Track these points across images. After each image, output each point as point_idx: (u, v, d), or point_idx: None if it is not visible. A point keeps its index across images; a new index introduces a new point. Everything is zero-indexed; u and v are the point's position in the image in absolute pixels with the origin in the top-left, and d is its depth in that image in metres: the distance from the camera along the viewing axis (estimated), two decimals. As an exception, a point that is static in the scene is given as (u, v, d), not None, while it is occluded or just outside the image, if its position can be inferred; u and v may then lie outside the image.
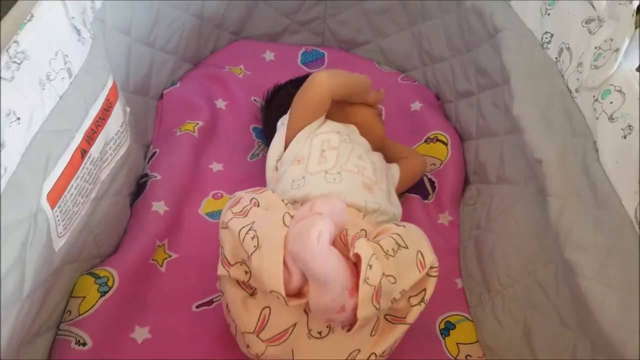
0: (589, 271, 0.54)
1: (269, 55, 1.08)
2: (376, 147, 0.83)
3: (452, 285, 0.78)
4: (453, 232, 0.85)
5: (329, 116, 0.79)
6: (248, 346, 0.58)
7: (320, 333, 0.56)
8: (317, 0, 1.07)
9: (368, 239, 0.56)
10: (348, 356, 0.56)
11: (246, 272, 0.55)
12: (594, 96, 0.61)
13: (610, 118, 0.58)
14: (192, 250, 0.75)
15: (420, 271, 0.56)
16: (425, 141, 0.95)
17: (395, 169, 0.84)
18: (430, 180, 0.91)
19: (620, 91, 0.58)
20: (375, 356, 0.57)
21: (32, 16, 0.51)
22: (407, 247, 0.56)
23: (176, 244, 0.76)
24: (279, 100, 0.88)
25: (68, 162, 0.55)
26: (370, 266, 0.50)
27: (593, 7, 0.67)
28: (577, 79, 0.66)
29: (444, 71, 1.01)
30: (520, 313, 0.68)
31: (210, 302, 0.70)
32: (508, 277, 0.71)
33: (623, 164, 0.55)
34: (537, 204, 0.67)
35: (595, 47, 0.63)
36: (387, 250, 0.54)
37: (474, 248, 0.80)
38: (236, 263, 0.55)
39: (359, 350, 0.56)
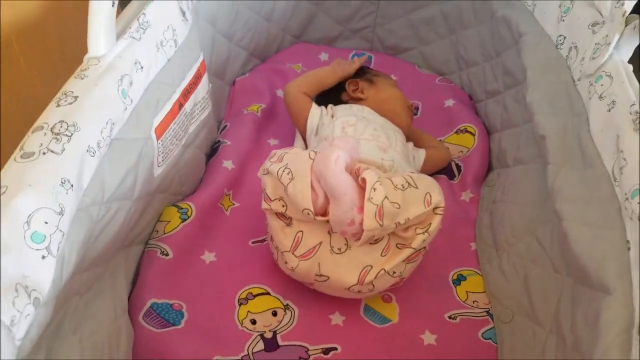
0: (571, 215, 0.66)
1: (323, 56, 1.25)
2: (405, 133, 0.97)
3: (467, 248, 0.90)
4: (472, 207, 0.97)
5: (365, 103, 0.96)
6: (286, 262, 0.73)
7: (340, 249, 0.71)
8: (369, 12, 1.24)
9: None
10: (362, 269, 0.70)
11: (283, 205, 0.70)
12: (590, 82, 0.74)
13: (600, 97, 0.71)
14: (251, 202, 0.91)
15: (425, 207, 0.68)
16: (456, 132, 1.09)
17: (421, 153, 0.98)
18: (457, 165, 1.04)
19: (610, 76, 0.71)
20: (385, 271, 0.70)
21: (155, -2, 0.70)
22: (416, 187, 0.69)
23: (239, 196, 0.92)
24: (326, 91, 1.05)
25: (170, 109, 0.73)
26: (374, 189, 0.64)
27: (600, 13, 0.80)
28: (580, 71, 0.79)
29: (477, 74, 1.15)
30: (521, 266, 0.79)
31: (263, 240, 0.86)
32: (513, 236, 0.83)
33: (606, 131, 0.68)
34: (541, 175, 0.79)
35: (595, 44, 0.76)
36: (397, 185, 0.68)
37: (489, 217, 0.92)
38: (275, 199, 0.71)
39: (371, 267, 0.70)
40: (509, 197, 0.89)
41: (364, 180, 0.65)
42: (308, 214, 0.67)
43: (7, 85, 0.79)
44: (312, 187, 0.66)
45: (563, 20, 0.88)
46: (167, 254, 0.78)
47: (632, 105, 0.64)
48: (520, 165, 0.92)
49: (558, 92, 0.82)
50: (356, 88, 1.01)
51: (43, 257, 0.46)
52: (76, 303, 0.55)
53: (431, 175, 1.00)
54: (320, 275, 0.72)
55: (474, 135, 1.07)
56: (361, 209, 0.65)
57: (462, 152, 1.06)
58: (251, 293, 0.79)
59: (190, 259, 0.80)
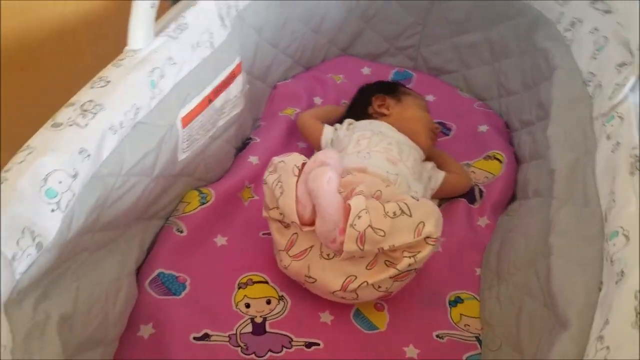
0: (559, 251, 0.67)
1: (366, 70, 1.30)
2: (426, 153, 1.00)
3: (471, 272, 0.91)
4: (487, 233, 0.98)
5: (386, 120, 1.00)
6: (281, 260, 0.79)
7: (328, 255, 0.75)
8: (415, 32, 1.28)
9: (377, 198, 0.74)
10: (346, 278, 0.74)
11: (280, 214, 0.76)
12: (602, 121, 0.74)
13: (608, 137, 0.71)
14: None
15: (415, 236, 0.70)
16: (485, 157, 1.10)
17: (440, 175, 1.00)
18: (480, 190, 1.05)
19: (621, 117, 0.71)
20: (367, 284, 0.74)
21: (196, 3, 0.79)
22: (410, 215, 0.71)
23: (259, 190, 0.99)
24: (354, 99, 1.11)
25: (198, 103, 0.81)
26: (359, 217, 0.68)
27: (630, 53, 0.80)
28: (598, 109, 0.79)
29: (514, 103, 1.16)
30: (517, 297, 0.79)
31: (273, 234, 0.92)
32: (515, 267, 0.83)
33: (606, 172, 0.68)
34: (547, 209, 0.80)
35: (616, 84, 0.76)
36: (388, 212, 0.70)
37: (499, 245, 0.92)
38: (273, 208, 0.77)
39: (355, 277, 0.73)
40: (521, 227, 0.89)
41: (349, 206, 0.69)
42: (296, 225, 0.73)
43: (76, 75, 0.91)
44: (298, 199, 0.71)
45: (595, 58, 0.87)
46: (182, 231, 0.86)
47: (634, 148, 0.64)
48: (537, 198, 0.92)
49: (576, 128, 0.82)
50: (382, 104, 1.05)
51: (52, 210, 0.54)
52: (84, 258, 0.64)
53: (452, 198, 1.03)
54: (309, 277, 0.77)
55: (502, 163, 1.08)
56: (344, 230, 0.69)
57: (487, 177, 1.07)
58: (251, 279, 0.85)
59: (202, 239, 0.88)
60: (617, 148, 0.67)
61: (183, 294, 0.80)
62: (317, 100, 1.21)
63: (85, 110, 0.61)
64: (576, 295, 0.58)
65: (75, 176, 0.57)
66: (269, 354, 0.77)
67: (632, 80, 0.70)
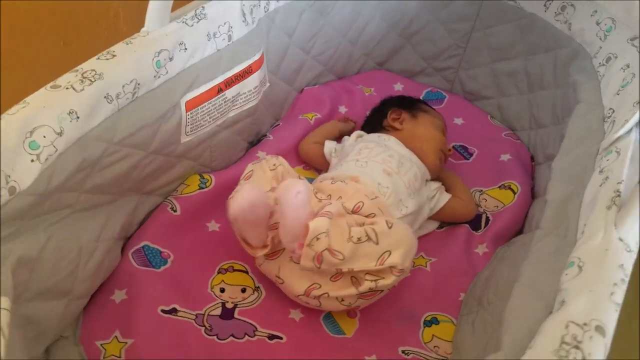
0: (525, 279, 0.64)
1: (398, 86, 1.30)
2: (432, 174, 0.99)
3: (455, 296, 0.88)
4: (482, 261, 0.94)
5: (395, 135, 1.01)
6: (256, 257, 0.81)
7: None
8: (455, 54, 1.27)
9: (357, 210, 0.75)
10: (311, 284, 0.75)
11: None
12: (602, 155, 0.70)
13: (600, 171, 0.67)
14: None
15: (377, 265, 0.70)
16: (499, 186, 1.06)
17: (444, 198, 0.98)
18: (487, 218, 1.02)
19: (618, 152, 0.67)
20: (329, 296, 0.74)
21: (222, -3, 0.84)
22: (376, 243, 0.70)
23: (264, 185, 1.02)
24: (373, 110, 1.12)
25: (206, 90, 0.86)
26: (318, 239, 0.68)
27: (652, 90, 0.75)
28: (604, 144, 0.74)
29: (543, 136, 1.11)
30: (491, 326, 0.76)
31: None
32: (495, 295, 0.79)
33: (589, 204, 0.64)
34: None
35: (625, 120, 0.72)
36: (352, 236, 0.70)
37: (488, 273, 0.89)
38: None
39: (320, 286, 0.74)
40: (510, 257, 0.86)
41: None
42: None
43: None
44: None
45: (618, 94, 0.83)
46: (175, 211, 0.91)
47: (619, 182, 0.61)
48: (537, 230, 0.87)
49: (579, 162, 0.78)
50: (397, 118, 1.05)
51: (32, 160, 0.59)
52: (66, 214, 0.69)
53: (457, 223, 1.00)
54: (279, 277, 0.79)
55: (515, 193, 1.04)
56: (302, 246, 0.69)
57: (497, 207, 1.03)
58: (232, 267, 0.87)
59: (195, 221, 0.91)
60: (605, 182, 0.64)
61: (162, 268, 0.84)
62: (342, 109, 1.22)
63: (85, 78, 0.66)
64: (520, 321, 0.56)
65: (60, 134, 0.62)
66: (231, 338, 0.78)
67: (637, 115, 0.66)
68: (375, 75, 1.32)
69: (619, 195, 0.59)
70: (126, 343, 0.75)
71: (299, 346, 0.79)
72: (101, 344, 0.74)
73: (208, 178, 0.96)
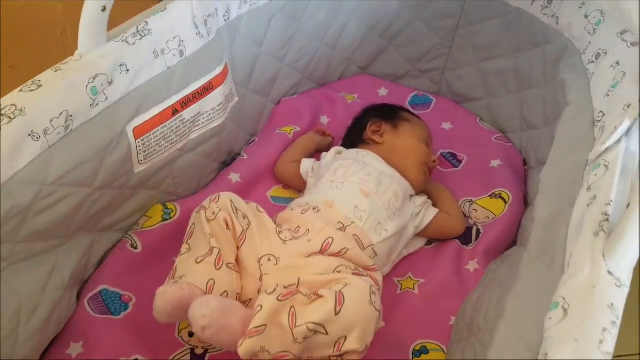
0: (509, 316, 0.56)
1: (382, 91, 1.22)
2: (415, 189, 0.92)
3: (445, 321, 0.81)
4: (473, 279, 0.87)
5: (375, 149, 0.94)
6: None
7: None
8: (440, 54, 1.18)
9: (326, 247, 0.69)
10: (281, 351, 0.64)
11: None
12: (589, 169, 0.62)
13: (588, 188, 0.59)
14: None
15: (333, 351, 0.62)
16: (490, 195, 0.99)
17: (431, 213, 0.90)
18: (478, 230, 0.94)
19: (607, 166, 0.59)
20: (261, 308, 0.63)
21: (165, 8, 0.77)
22: (326, 334, 0.62)
23: (236, 209, 0.95)
24: (353, 122, 1.04)
25: (158, 113, 0.79)
26: (256, 355, 0.61)
27: (641, 91, 0.66)
28: (593, 154, 0.66)
29: (534, 138, 1.03)
30: (481, 355, 0.69)
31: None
32: (485, 321, 0.72)
33: (576, 228, 0.56)
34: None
35: (614, 127, 0.63)
36: (296, 338, 0.61)
37: (480, 295, 0.81)
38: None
39: (261, 307, 0.63)
40: (500, 278, 0.78)
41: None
42: None
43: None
44: None
45: (608, 96, 0.74)
46: (136, 247, 0.84)
47: (607, 204, 0.52)
48: (525, 253, 0.79)
49: (568, 174, 0.70)
50: (377, 130, 0.97)
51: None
52: (3, 267, 0.62)
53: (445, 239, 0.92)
54: None
55: (506, 203, 0.96)
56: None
57: (488, 218, 0.95)
58: (201, 307, 0.80)
59: (158, 258, 0.84)
60: (593, 202, 0.55)
61: (123, 314, 0.77)
62: (324, 119, 1.15)
63: (3, 115, 0.60)
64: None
65: (-25, 183, 0.56)
66: (198, 382, 0.72)
67: (627, 122, 0.58)
68: (358, 80, 1.24)
69: (607, 219, 0.51)
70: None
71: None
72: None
73: (172, 208, 0.89)
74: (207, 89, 0.86)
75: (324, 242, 0.73)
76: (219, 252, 0.71)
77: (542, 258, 0.61)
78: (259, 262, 0.72)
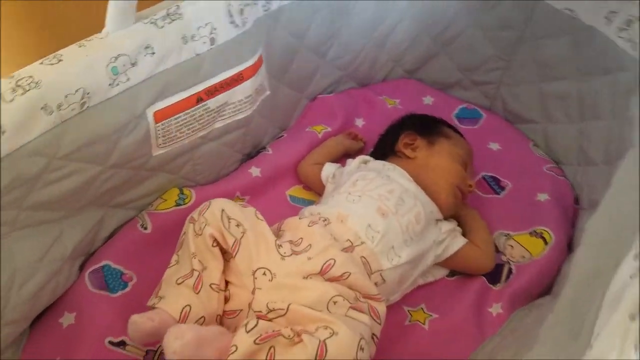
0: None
1: (428, 100, 1.15)
2: (444, 213, 0.85)
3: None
4: (493, 325, 0.79)
5: (404, 164, 0.87)
6: None
7: None
8: (497, 67, 1.09)
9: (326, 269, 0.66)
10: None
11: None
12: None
13: (636, 257, 0.50)
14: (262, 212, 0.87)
15: None
16: (530, 232, 0.90)
17: (458, 243, 0.83)
18: (510, 270, 0.86)
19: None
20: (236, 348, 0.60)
21: (197, -6, 0.74)
22: None
23: (253, 203, 0.91)
24: (386, 131, 0.98)
25: (182, 100, 0.76)
26: None
27: None
28: None
29: (591, 176, 0.94)
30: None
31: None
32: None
33: (612, 302, 0.48)
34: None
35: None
36: None
37: (495, 345, 0.74)
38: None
39: (236, 347, 0.59)
40: (520, 332, 0.71)
41: None
42: None
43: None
44: None
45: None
46: (146, 228, 0.82)
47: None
48: (550, 314, 0.70)
49: (618, 231, 0.62)
50: (410, 143, 0.91)
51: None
52: (4, 231, 0.62)
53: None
54: None
55: (546, 244, 0.87)
56: None
57: (523, 257, 0.87)
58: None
59: (166, 242, 0.81)
60: (637, 275, 0.47)
61: (120, 293, 0.76)
62: (359, 121, 1.09)
63: (19, 86, 0.59)
64: None
65: (-21, 149, 0.55)
66: (177, 384, 0.70)
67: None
68: (403, 84, 1.17)
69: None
70: (62, 377, 0.68)
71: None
72: (38, 372, 0.68)
73: (188, 194, 0.87)
74: (236, 80, 0.83)
75: (325, 263, 0.68)
76: (198, 275, 0.69)
77: (569, 324, 0.54)
78: (253, 274, 0.69)
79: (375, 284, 0.73)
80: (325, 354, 0.58)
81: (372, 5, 1.04)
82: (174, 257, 0.73)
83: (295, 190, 0.96)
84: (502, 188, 0.99)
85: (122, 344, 0.71)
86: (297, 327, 0.61)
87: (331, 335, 0.59)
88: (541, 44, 1.02)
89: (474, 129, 1.10)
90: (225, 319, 0.71)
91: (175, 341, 0.58)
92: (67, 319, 0.73)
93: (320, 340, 0.58)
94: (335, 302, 0.64)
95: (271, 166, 0.95)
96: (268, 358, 0.58)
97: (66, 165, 0.66)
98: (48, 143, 0.62)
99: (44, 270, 0.68)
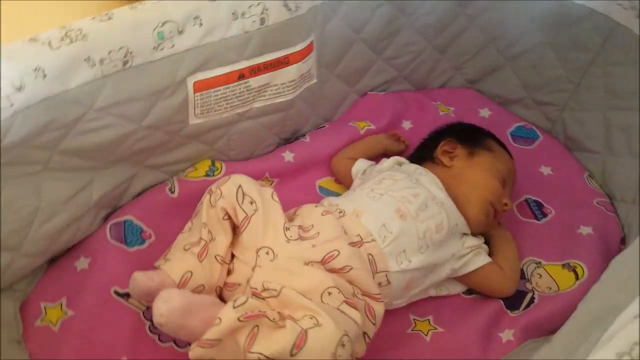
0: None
1: (484, 112, 1.10)
2: (472, 229, 0.81)
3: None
4: (499, 351, 0.76)
5: (439, 172, 0.84)
6: None
7: None
8: (564, 89, 1.02)
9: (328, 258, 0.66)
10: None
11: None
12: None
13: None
14: (285, 198, 0.85)
15: None
16: (563, 265, 0.85)
17: (477, 262, 0.80)
18: (532, 298, 0.81)
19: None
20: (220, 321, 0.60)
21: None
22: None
23: (280, 187, 0.92)
24: (429, 135, 0.95)
25: (223, 74, 0.78)
26: None
27: None
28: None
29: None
30: None
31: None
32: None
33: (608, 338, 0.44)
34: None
35: None
36: None
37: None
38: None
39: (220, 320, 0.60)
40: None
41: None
42: None
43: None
44: None
45: None
46: (173, 192, 0.86)
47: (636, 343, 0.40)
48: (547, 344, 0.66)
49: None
50: (449, 151, 0.87)
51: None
52: (35, 169, 0.67)
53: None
54: None
55: (577, 279, 0.82)
56: None
57: (550, 288, 0.83)
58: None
59: (190, 209, 0.83)
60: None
61: (135, 248, 0.80)
62: (406, 124, 1.07)
63: (67, 36, 0.63)
64: None
65: (19, 89, 0.60)
66: (171, 344, 0.73)
67: None
68: (461, 93, 1.13)
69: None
70: (66, 314, 0.72)
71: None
72: (44, 306, 0.73)
73: (219, 166, 0.89)
74: (281, 63, 0.84)
75: (328, 253, 0.68)
76: (205, 245, 0.71)
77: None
78: (257, 251, 0.69)
79: (380, 284, 0.71)
80: (304, 344, 0.57)
81: (439, 9, 1.01)
82: (188, 224, 0.76)
83: (326, 182, 0.96)
84: (544, 214, 0.93)
85: (126, 295, 0.74)
86: (285, 312, 0.61)
87: (314, 326, 0.58)
88: (613, 70, 0.95)
89: (528, 149, 1.04)
90: (225, 291, 0.72)
91: (163, 305, 0.60)
92: (82, 263, 0.77)
93: (302, 329, 0.58)
94: (330, 294, 0.64)
95: (305, 154, 0.95)
96: (250, 336, 0.59)
97: (102, 117, 0.69)
98: (87, 94, 0.66)
99: (66, 213, 0.72)
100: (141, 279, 0.67)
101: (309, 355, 0.57)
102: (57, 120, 0.65)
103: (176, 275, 0.69)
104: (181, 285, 0.69)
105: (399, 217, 0.74)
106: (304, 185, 0.93)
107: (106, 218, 0.82)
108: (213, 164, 0.89)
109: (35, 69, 0.61)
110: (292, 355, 0.57)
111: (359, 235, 0.72)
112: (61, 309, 0.73)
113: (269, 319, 0.60)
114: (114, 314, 0.73)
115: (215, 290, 0.72)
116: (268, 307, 0.62)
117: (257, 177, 0.90)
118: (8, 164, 0.64)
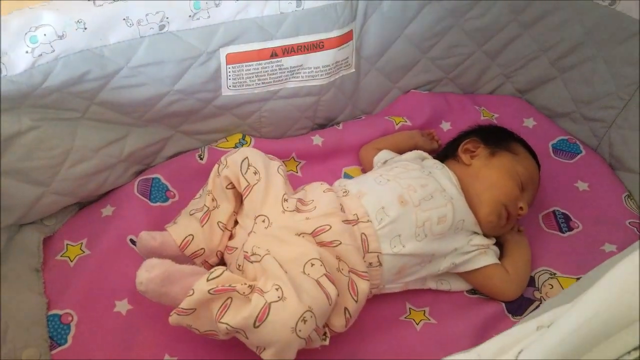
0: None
1: (529, 122, 1.06)
2: (483, 229, 0.80)
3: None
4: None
5: (457, 169, 0.84)
6: None
7: None
8: (613, 105, 0.97)
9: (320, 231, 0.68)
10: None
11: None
12: None
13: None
14: (310, 180, 0.87)
15: (256, 349, 0.62)
16: (578, 279, 0.81)
17: (480, 261, 0.78)
18: (538, 307, 0.78)
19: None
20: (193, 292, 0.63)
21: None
22: (246, 338, 0.61)
23: (307, 169, 0.95)
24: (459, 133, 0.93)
25: (256, 50, 0.82)
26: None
27: None
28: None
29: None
30: None
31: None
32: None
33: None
34: None
35: None
36: (220, 330, 0.61)
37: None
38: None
39: (193, 292, 0.63)
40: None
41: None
42: None
43: None
44: None
45: None
46: (202, 159, 0.91)
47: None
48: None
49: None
50: (470, 150, 0.86)
51: (26, 52, 0.65)
52: (70, 116, 0.74)
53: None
54: None
55: (591, 297, 0.77)
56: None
57: (561, 303, 0.78)
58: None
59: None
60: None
61: (158, 204, 0.85)
62: (445, 125, 1.05)
63: (111, -1, 0.70)
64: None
65: (61, 37, 0.67)
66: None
67: None
68: (508, 101, 1.10)
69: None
70: (83, 252, 0.79)
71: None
72: (67, 244, 0.80)
73: (248, 140, 0.94)
74: (315, 47, 0.86)
75: (320, 227, 0.69)
76: (207, 211, 0.75)
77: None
78: (255, 219, 0.72)
79: (371, 264, 0.71)
80: (266, 317, 0.59)
81: (491, 13, 0.99)
82: (200, 191, 0.80)
83: (353, 170, 0.97)
84: (570, 228, 0.89)
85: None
86: (258, 283, 0.63)
87: (278, 300, 0.60)
88: (666, 89, 0.89)
89: (567, 163, 1.00)
90: (226, 254, 0.76)
91: (144, 273, 0.64)
92: (107, 210, 0.84)
93: (266, 302, 0.60)
94: (312, 265, 0.65)
95: (335, 140, 0.97)
96: (222, 307, 0.62)
97: (135, 75, 0.75)
98: (123, 51, 0.73)
99: (97, 160, 0.79)
100: (145, 238, 0.72)
101: (271, 327, 0.59)
102: (94, 72, 0.72)
103: (178, 237, 0.73)
104: (182, 247, 0.73)
105: (399, 203, 0.74)
106: (330, 170, 0.95)
107: (137, 174, 0.88)
108: (243, 137, 0.93)
109: (78, 21, 0.68)
110: (255, 327, 0.59)
111: (356, 214, 0.73)
112: (81, 248, 0.79)
113: (238, 292, 0.62)
114: (125, 259, 0.78)
115: (217, 254, 0.75)
116: (241, 280, 0.64)
117: (283, 156, 0.94)
118: (46, 106, 0.71)
